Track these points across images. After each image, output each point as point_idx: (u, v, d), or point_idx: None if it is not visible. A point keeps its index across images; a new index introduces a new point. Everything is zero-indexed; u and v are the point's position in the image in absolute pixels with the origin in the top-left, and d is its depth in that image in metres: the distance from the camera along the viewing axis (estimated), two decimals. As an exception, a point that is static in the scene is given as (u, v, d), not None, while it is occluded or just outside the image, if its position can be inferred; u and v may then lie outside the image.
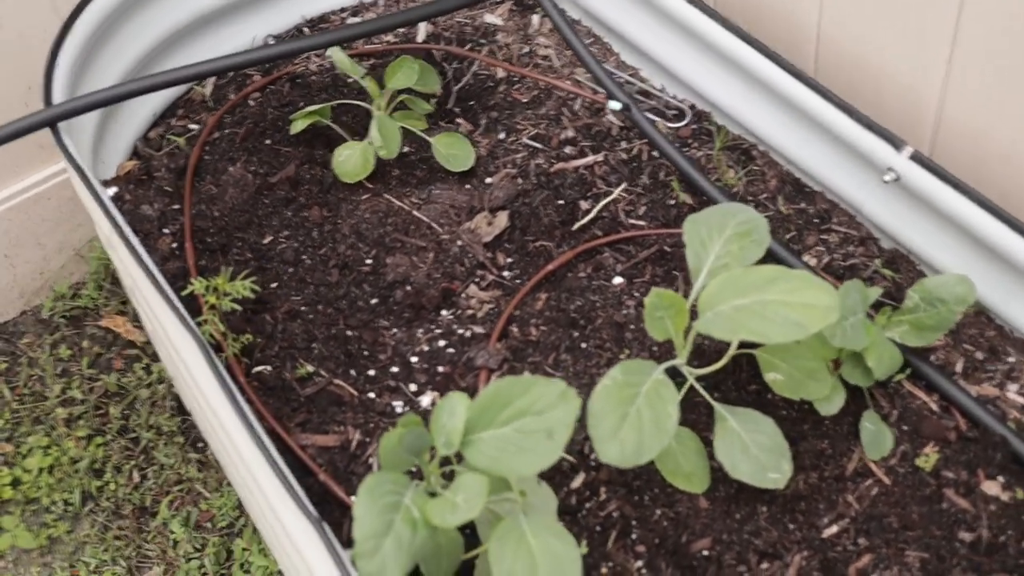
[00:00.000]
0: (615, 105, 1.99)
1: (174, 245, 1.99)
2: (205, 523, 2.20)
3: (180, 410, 2.36)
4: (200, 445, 2.29)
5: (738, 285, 1.51)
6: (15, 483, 2.27)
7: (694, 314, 1.53)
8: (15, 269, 2.45)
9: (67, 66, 1.94)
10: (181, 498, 2.23)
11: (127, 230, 1.68)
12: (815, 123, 1.89)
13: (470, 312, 1.90)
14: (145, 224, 2.01)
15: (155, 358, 2.44)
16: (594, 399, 1.47)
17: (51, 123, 1.82)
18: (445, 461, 1.42)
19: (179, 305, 1.60)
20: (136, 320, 2.48)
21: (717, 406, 1.58)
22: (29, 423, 2.35)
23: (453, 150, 2.09)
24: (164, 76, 1.91)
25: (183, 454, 2.28)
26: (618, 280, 1.91)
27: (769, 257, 1.80)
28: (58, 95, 1.89)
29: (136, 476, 2.27)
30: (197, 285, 1.66)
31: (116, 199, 2.02)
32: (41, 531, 2.20)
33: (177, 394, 2.36)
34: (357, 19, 2.42)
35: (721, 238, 1.63)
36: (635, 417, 1.46)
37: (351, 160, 2.06)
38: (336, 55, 2.08)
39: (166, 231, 2.01)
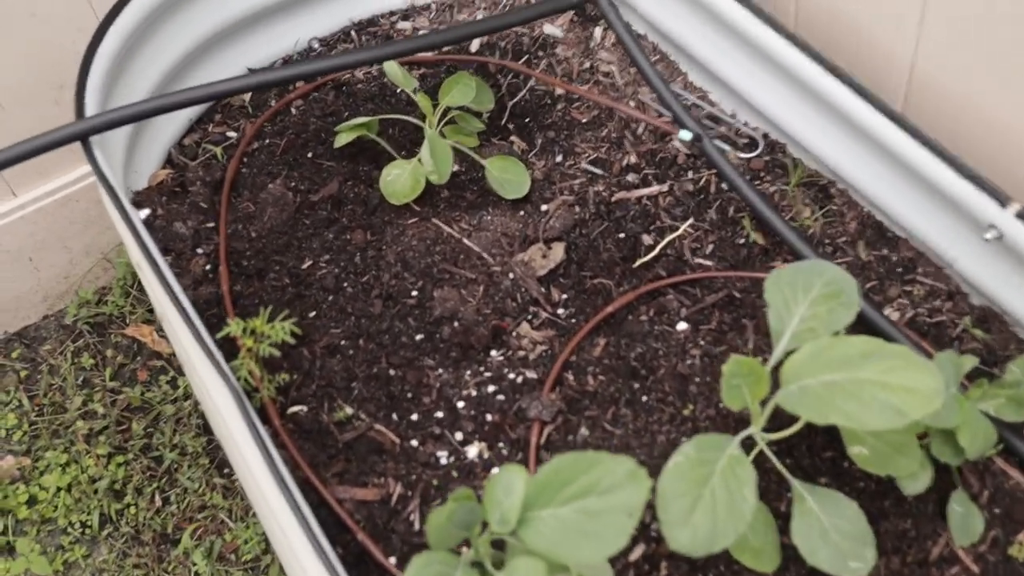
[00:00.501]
0: (686, 135, 1.85)
1: (207, 267, 1.87)
2: (229, 555, 2.08)
3: (206, 429, 2.24)
4: (226, 471, 2.17)
5: (828, 357, 1.37)
6: (31, 501, 2.16)
7: (774, 379, 1.39)
8: (39, 273, 2.33)
9: (100, 75, 1.81)
10: (204, 526, 2.12)
11: (160, 261, 1.55)
12: (905, 166, 1.74)
13: (521, 353, 1.77)
14: (178, 243, 1.88)
15: (181, 372, 2.32)
16: (664, 479, 1.33)
17: (82, 137, 1.69)
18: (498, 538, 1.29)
19: (213, 348, 1.47)
20: (163, 330, 2.36)
21: (795, 483, 1.44)
22: (48, 436, 2.23)
23: (507, 174, 1.95)
24: (201, 91, 1.78)
25: (207, 478, 2.16)
26: (682, 326, 1.77)
27: (859, 320, 1.65)
28: (91, 106, 1.76)
29: (158, 500, 2.16)
30: (233, 327, 1.53)
31: (148, 221, 1.90)
32: (57, 555, 2.09)
33: (203, 411, 2.24)
34: (407, 24, 2.28)
35: (807, 299, 1.49)
36: (709, 500, 1.32)
37: (400, 181, 1.93)
38: (389, 67, 1.94)
39: (200, 251, 1.89)
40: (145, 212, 1.80)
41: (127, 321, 2.40)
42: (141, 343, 2.38)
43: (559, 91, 2.13)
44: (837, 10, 1.90)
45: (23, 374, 2.34)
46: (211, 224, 1.92)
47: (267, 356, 1.60)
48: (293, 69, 1.81)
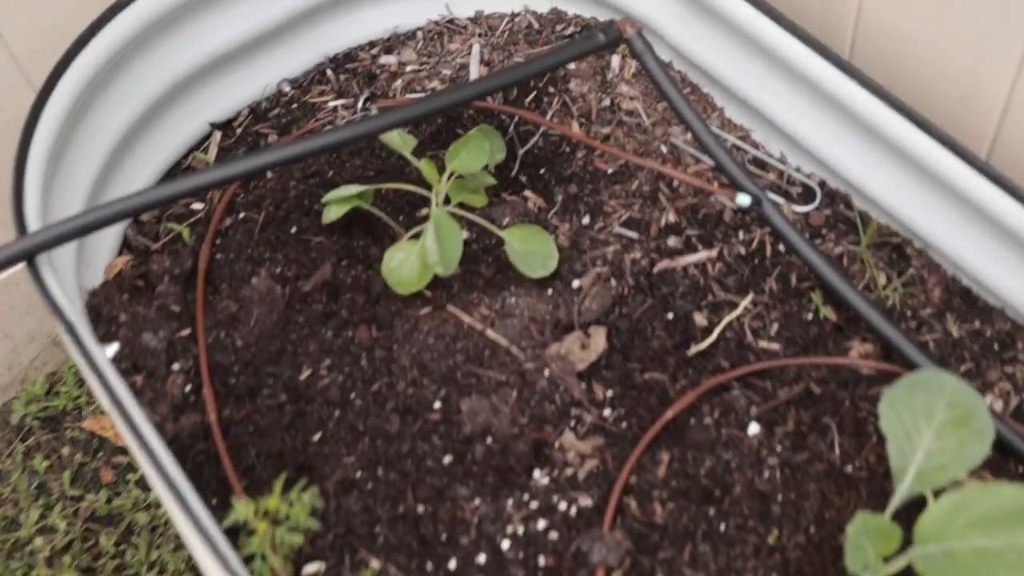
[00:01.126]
0: (743, 201, 1.58)
1: (188, 388, 1.57)
2: None
3: (188, 536, 1.95)
4: (218, 592, 1.89)
5: (976, 514, 1.14)
6: (-9, 643, 1.87)
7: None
8: (-23, 367, 2.01)
9: (38, 171, 1.49)
10: (198, 661, 1.84)
11: (137, 418, 1.26)
12: (995, 222, 1.50)
13: (569, 471, 1.50)
14: (149, 359, 1.58)
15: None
16: None
17: (27, 257, 1.38)
18: None
19: (216, 536, 1.19)
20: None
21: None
22: (1, 560, 1.93)
23: (530, 246, 1.67)
24: (168, 189, 1.45)
25: (196, 601, 1.88)
26: (754, 429, 1.52)
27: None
28: (32, 216, 1.44)
29: (140, 631, 1.88)
30: (240, 510, 1.24)
31: (111, 334, 1.58)
32: None
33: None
34: (392, 58, 1.96)
35: (930, 427, 1.25)
36: None
37: (406, 267, 1.63)
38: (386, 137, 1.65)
39: (176, 367, 1.59)
40: (113, 349, 1.49)
41: (83, 413, 2.10)
42: (102, 437, 2.07)
43: (580, 133, 1.84)
44: (905, 35, 1.63)
45: (-32, 484, 2.03)
46: (187, 332, 1.61)
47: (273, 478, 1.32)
48: (266, 156, 1.48)
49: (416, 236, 1.67)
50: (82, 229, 1.39)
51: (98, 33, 1.61)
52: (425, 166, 1.65)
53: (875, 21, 1.65)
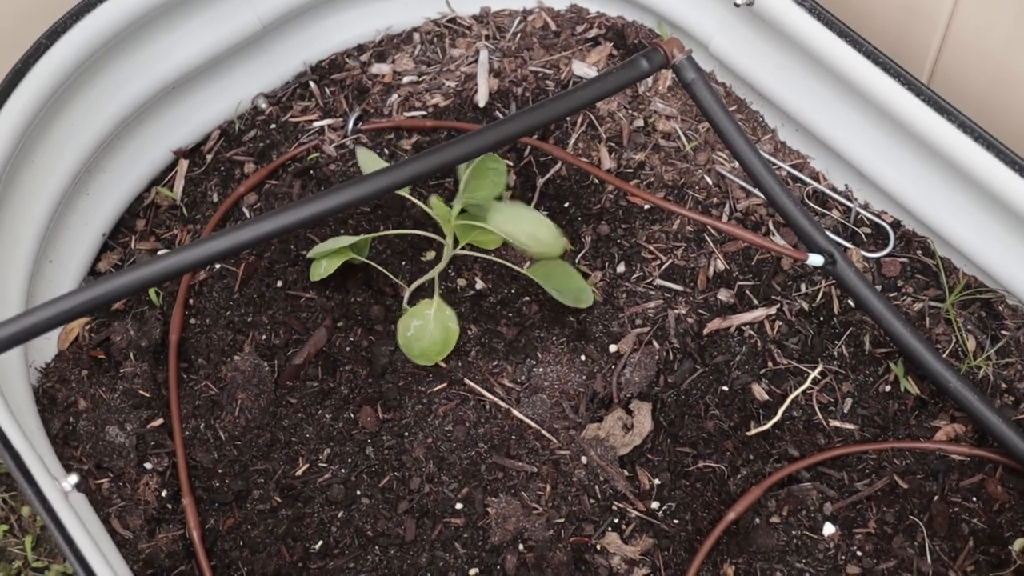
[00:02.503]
0: (816, 261, 1.34)
1: (164, 493, 1.33)
2: None
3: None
4: None
5: None
6: None
7: None
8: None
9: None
10: None
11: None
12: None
13: (617, 583, 1.29)
14: (115, 458, 1.33)
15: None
16: None
17: (-42, 372, 1.12)
18: None
19: None
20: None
21: None
22: (-42, 646, 1.70)
23: (556, 281, 1.43)
24: (116, 282, 1.16)
25: None
26: (829, 529, 1.31)
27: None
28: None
29: None
30: None
31: (69, 430, 1.33)
32: None
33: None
34: (386, 67, 1.68)
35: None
36: None
37: (426, 336, 1.39)
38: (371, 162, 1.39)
39: (148, 466, 1.34)
40: (73, 479, 1.22)
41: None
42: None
43: (608, 161, 1.58)
44: (1003, 56, 1.38)
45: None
46: (159, 422, 1.37)
47: None
48: (257, 227, 1.19)
49: (427, 292, 1.42)
50: (24, 335, 1.12)
51: (35, 65, 1.33)
52: (436, 205, 1.39)
53: (966, 38, 1.39)
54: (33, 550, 1.79)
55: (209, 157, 1.62)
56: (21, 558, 1.78)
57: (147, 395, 1.38)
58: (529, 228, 1.37)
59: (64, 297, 1.11)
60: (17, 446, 1.09)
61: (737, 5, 1.42)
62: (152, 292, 1.48)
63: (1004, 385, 1.38)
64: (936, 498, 1.32)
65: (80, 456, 1.34)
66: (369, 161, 1.42)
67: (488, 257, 1.45)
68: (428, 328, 1.38)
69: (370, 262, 1.47)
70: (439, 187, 1.58)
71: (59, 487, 1.10)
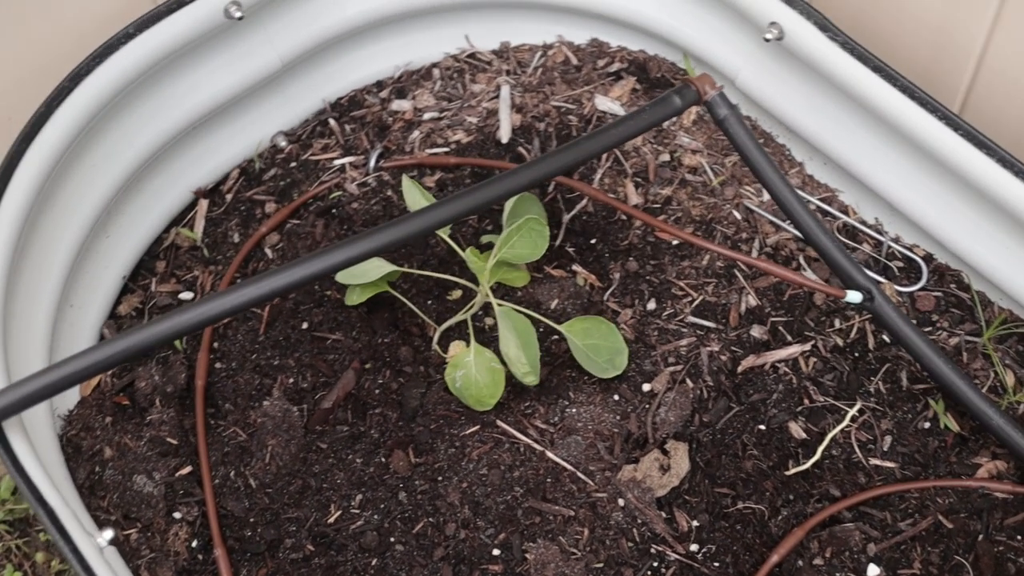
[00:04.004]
0: (854, 298, 1.32)
1: (194, 544, 1.30)
2: None
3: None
4: None
5: None
6: None
7: None
8: (-72, 474, 1.71)
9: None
10: None
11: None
12: None
13: (658, 631, 1.26)
14: (144, 508, 1.30)
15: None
16: None
17: (-10, 425, 1.09)
18: None
19: None
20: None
21: None
22: None
23: (594, 339, 1.40)
24: (142, 335, 1.13)
25: None
26: (874, 571, 1.29)
27: None
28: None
29: None
30: None
31: (95, 479, 1.30)
32: None
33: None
34: (406, 103, 1.66)
35: None
36: None
37: (473, 383, 1.36)
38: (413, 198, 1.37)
39: (178, 516, 1.31)
40: (108, 534, 1.18)
41: (57, 514, 1.80)
42: (80, 542, 1.79)
43: (635, 198, 1.57)
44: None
45: (-76, 607, 1.74)
46: (187, 471, 1.33)
47: None
48: (285, 275, 1.15)
49: (456, 333, 1.40)
50: (52, 389, 1.09)
51: (57, 109, 1.31)
52: (471, 257, 1.37)
53: (1001, 68, 1.38)
54: (48, 598, 1.75)
55: (229, 197, 1.60)
56: (35, 607, 1.74)
57: (174, 442, 1.35)
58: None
59: (94, 349, 1.09)
60: (52, 502, 1.06)
61: (767, 40, 1.40)
62: (175, 336, 1.45)
63: (1045, 420, 1.37)
64: (981, 537, 1.30)
65: (107, 506, 1.31)
66: (414, 192, 1.40)
67: (519, 308, 1.42)
68: (472, 375, 1.36)
69: (398, 295, 1.45)
70: (463, 223, 1.57)
71: (94, 543, 1.07)
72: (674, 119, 1.62)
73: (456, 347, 1.44)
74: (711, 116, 1.34)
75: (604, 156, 1.59)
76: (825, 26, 1.35)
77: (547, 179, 1.32)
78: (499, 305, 1.36)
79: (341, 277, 1.41)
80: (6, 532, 1.81)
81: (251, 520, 1.31)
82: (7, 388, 1.09)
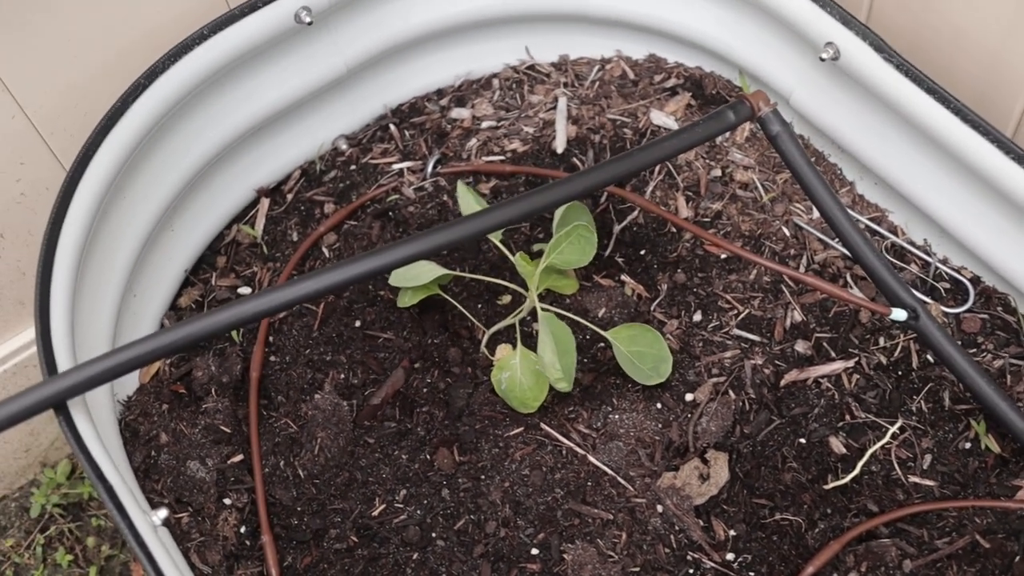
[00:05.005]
0: (900, 316, 1.34)
1: (242, 530, 1.34)
2: None
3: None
4: None
5: None
6: None
7: None
8: (-8, 452, 1.78)
9: (64, 285, 1.25)
10: None
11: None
12: None
13: (692, 635, 1.28)
14: (196, 493, 1.35)
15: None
16: None
17: (56, 404, 1.14)
18: None
19: None
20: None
21: None
22: (24, 673, 1.72)
23: (639, 346, 1.43)
24: (208, 322, 1.18)
25: None
26: (910, 588, 1.29)
27: None
28: (60, 343, 1.20)
29: None
30: None
31: (151, 463, 1.34)
32: None
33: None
34: (465, 111, 1.71)
35: None
36: None
37: (518, 385, 1.39)
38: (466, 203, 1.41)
39: (228, 502, 1.36)
40: (162, 514, 1.24)
41: (111, 499, 1.86)
42: (132, 527, 1.84)
43: (686, 210, 1.59)
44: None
45: (-19, 582, 1.81)
46: (239, 458, 1.38)
47: None
48: (333, 275, 1.20)
49: (504, 336, 1.43)
50: (119, 370, 1.14)
51: (133, 104, 1.36)
52: (521, 262, 1.41)
53: (1052, 97, 1.39)
54: (99, 580, 1.81)
55: (290, 196, 1.65)
56: (86, 587, 1.80)
57: (228, 431, 1.39)
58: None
59: (155, 336, 1.14)
60: (111, 479, 1.10)
61: (822, 60, 1.42)
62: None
63: (1088, 446, 1.37)
64: (1018, 559, 1.30)
65: (161, 490, 1.35)
66: (468, 197, 1.43)
67: (565, 313, 1.45)
68: (517, 378, 1.39)
69: (449, 298, 1.49)
70: (515, 230, 1.60)
71: (149, 520, 1.12)
72: (727, 135, 1.64)
73: (503, 350, 1.47)
74: (764, 132, 1.36)
75: (657, 169, 1.62)
76: (881, 47, 1.37)
77: (599, 188, 1.34)
78: (543, 310, 1.39)
79: (394, 280, 1.45)
80: (60, 516, 1.87)
81: (298, 509, 1.35)
82: (73, 369, 1.14)
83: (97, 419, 1.26)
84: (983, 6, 1.40)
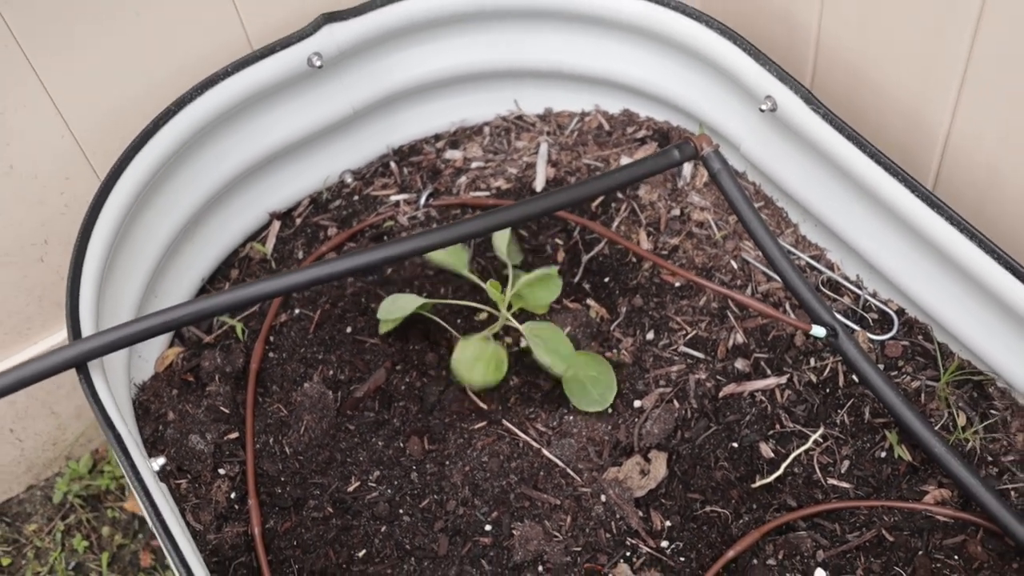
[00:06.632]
0: (819, 332, 1.51)
1: (232, 495, 1.52)
2: None
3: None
4: None
5: None
6: None
7: None
8: (22, 444, 1.98)
9: (95, 270, 1.47)
10: None
11: (183, 545, 1.21)
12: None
13: (623, 608, 1.43)
14: (195, 462, 1.53)
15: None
16: None
17: (78, 364, 1.34)
18: None
19: None
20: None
21: None
22: (36, 644, 1.89)
23: (594, 372, 1.61)
24: (226, 297, 1.41)
25: None
26: (820, 575, 1.44)
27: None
28: (87, 318, 1.41)
29: None
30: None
31: (157, 435, 1.54)
32: None
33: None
34: (457, 153, 1.92)
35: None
36: None
37: (479, 367, 1.57)
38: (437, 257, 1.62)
39: (222, 472, 1.54)
40: (161, 460, 1.45)
41: (125, 493, 2.06)
42: (143, 519, 2.03)
43: (646, 243, 1.78)
44: (1001, 168, 1.56)
45: (5, 561, 1.99)
46: (235, 435, 1.57)
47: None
48: (323, 268, 1.42)
49: (471, 331, 1.62)
50: (133, 338, 1.35)
51: (163, 127, 1.58)
52: (491, 289, 1.60)
53: (964, 148, 1.58)
54: (108, 566, 1.99)
55: (298, 220, 1.86)
56: (97, 572, 1.98)
57: (227, 412, 1.59)
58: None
59: (174, 308, 1.35)
60: (119, 428, 1.30)
61: (762, 111, 1.63)
62: (238, 328, 1.70)
63: (990, 458, 1.52)
64: (920, 553, 1.45)
65: (166, 460, 1.54)
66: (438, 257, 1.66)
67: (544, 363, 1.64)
68: (481, 360, 1.57)
69: (429, 315, 1.68)
70: (493, 257, 1.79)
71: (150, 465, 1.31)
72: (688, 180, 1.84)
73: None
74: (706, 169, 1.56)
75: (623, 207, 1.81)
76: (809, 99, 1.57)
77: (548, 213, 1.54)
78: (527, 328, 1.59)
79: (381, 314, 1.65)
80: (80, 506, 2.06)
81: (282, 480, 1.54)
82: (94, 335, 1.34)
83: (115, 394, 1.46)
84: (902, 67, 1.60)
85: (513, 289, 1.60)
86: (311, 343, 1.69)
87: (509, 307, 1.65)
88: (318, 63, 1.71)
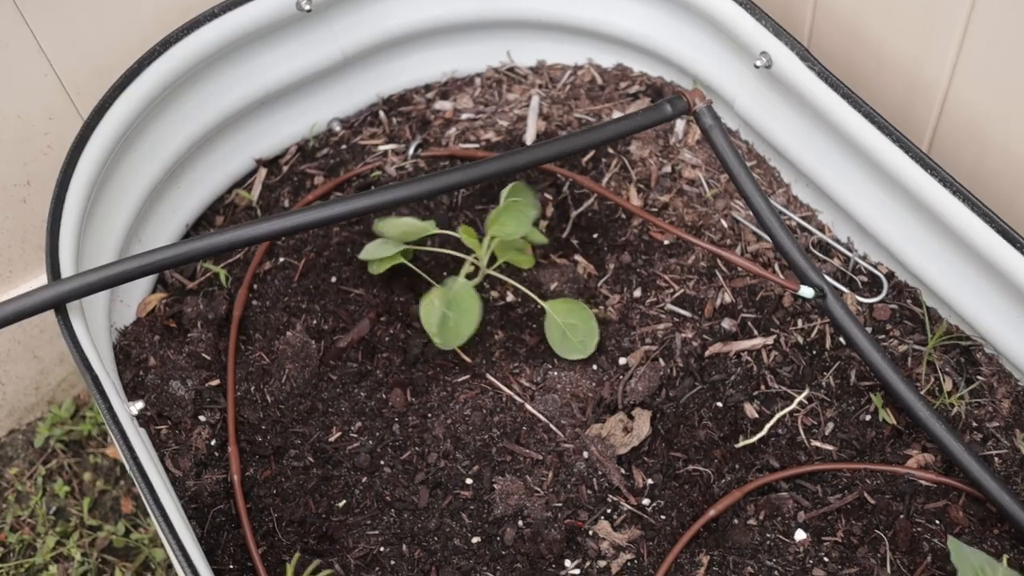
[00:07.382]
0: (807, 293, 1.50)
1: (212, 443, 1.51)
2: None
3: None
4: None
5: None
6: (-5, 673, 1.82)
7: None
8: (5, 387, 1.97)
9: (76, 209, 1.44)
10: None
11: (160, 490, 1.20)
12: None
13: (602, 564, 1.43)
14: (175, 409, 1.52)
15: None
16: None
17: (56, 305, 1.33)
18: None
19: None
20: (151, 454, 2.01)
21: None
22: (15, 587, 1.89)
23: (573, 319, 1.59)
24: (209, 240, 1.39)
25: (206, 647, 1.82)
26: (801, 535, 1.44)
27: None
28: (66, 260, 1.39)
29: (147, 674, 1.82)
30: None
31: (138, 381, 1.52)
32: None
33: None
34: (447, 104, 1.90)
35: None
36: None
37: (433, 315, 1.56)
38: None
39: (202, 419, 1.53)
40: (140, 404, 1.43)
41: (107, 439, 2.05)
42: (124, 466, 2.02)
43: (636, 200, 1.76)
44: (994, 133, 1.54)
45: (-14, 505, 1.99)
46: (216, 382, 1.56)
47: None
48: (325, 210, 1.41)
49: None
50: (113, 280, 1.34)
51: (148, 67, 1.55)
52: (464, 233, 1.58)
53: (961, 112, 1.56)
54: (89, 512, 1.98)
55: (285, 168, 1.84)
56: (78, 518, 1.98)
57: (208, 358, 1.57)
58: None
59: (156, 250, 1.33)
60: (97, 371, 1.28)
61: (756, 67, 1.60)
62: (222, 275, 1.68)
63: (975, 423, 1.51)
64: (901, 516, 1.44)
65: (145, 405, 1.53)
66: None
67: (514, 283, 1.63)
68: (436, 305, 1.55)
69: (413, 266, 1.66)
70: (483, 211, 1.77)
71: (127, 409, 1.29)
72: (680, 137, 1.81)
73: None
74: (698, 125, 1.54)
75: (614, 163, 1.79)
76: (806, 56, 1.54)
77: (536, 165, 1.52)
78: (462, 279, 1.57)
79: (364, 255, 1.63)
80: (62, 451, 2.05)
81: (263, 428, 1.53)
82: (73, 276, 1.33)
83: (95, 338, 1.44)
84: (901, 28, 1.57)
85: (489, 233, 1.58)
86: (295, 292, 1.67)
87: (494, 261, 1.63)
88: (307, 6, 1.68)
